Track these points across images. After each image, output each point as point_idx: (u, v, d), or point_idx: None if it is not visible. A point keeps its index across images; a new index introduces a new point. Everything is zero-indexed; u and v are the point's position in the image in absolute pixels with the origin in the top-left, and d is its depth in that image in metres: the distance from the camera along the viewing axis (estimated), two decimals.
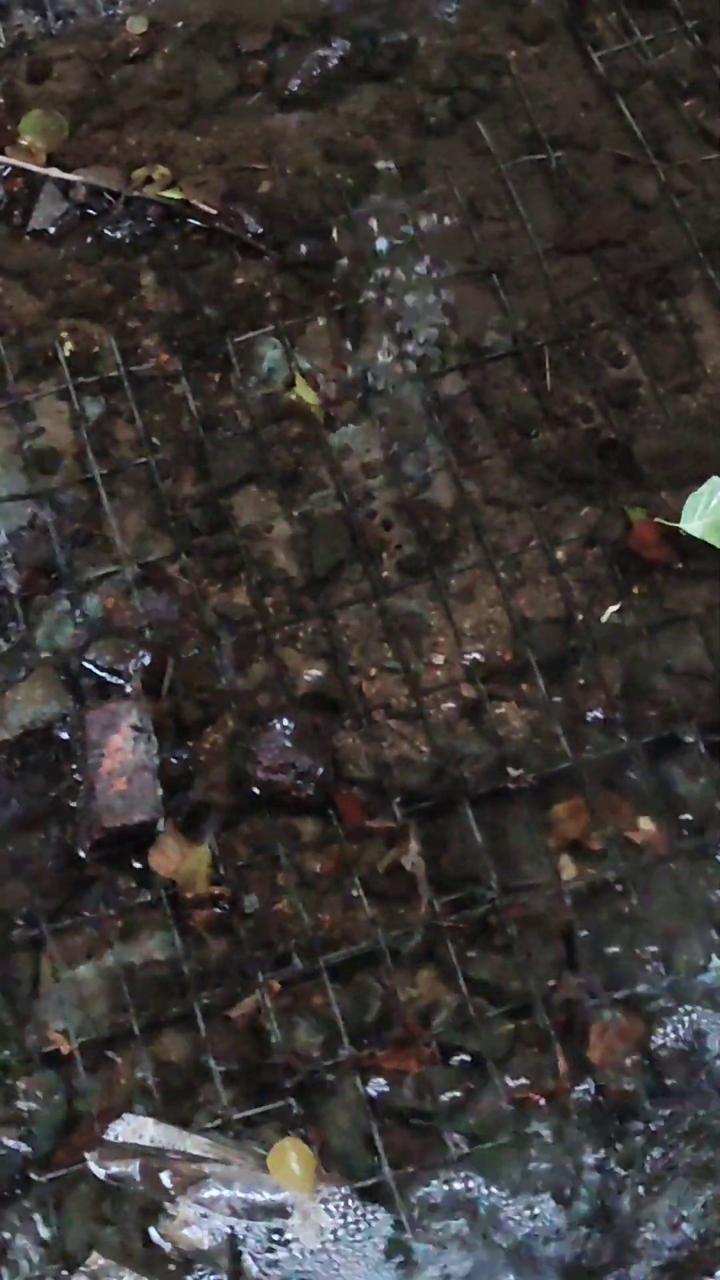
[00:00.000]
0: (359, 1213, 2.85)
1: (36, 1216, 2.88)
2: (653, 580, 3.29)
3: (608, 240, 3.57)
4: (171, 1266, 2.82)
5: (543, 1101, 2.94)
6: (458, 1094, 2.95)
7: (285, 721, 3.12)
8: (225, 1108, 2.94)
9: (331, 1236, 2.82)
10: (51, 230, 3.60)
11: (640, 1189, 2.87)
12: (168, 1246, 2.83)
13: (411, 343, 3.50)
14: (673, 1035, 2.97)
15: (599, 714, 3.18)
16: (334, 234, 3.60)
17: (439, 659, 3.24)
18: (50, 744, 3.16)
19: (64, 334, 3.51)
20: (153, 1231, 2.84)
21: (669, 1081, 2.94)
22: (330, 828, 3.12)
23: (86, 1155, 2.89)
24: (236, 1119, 2.93)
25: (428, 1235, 2.85)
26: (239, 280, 3.55)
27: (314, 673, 3.23)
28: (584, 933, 3.04)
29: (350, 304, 3.53)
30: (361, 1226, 2.83)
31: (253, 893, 3.08)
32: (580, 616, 3.26)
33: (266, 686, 3.22)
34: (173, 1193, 2.84)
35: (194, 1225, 2.82)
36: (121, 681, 3.18)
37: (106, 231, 3.59)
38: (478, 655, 3.23)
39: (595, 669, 3.22)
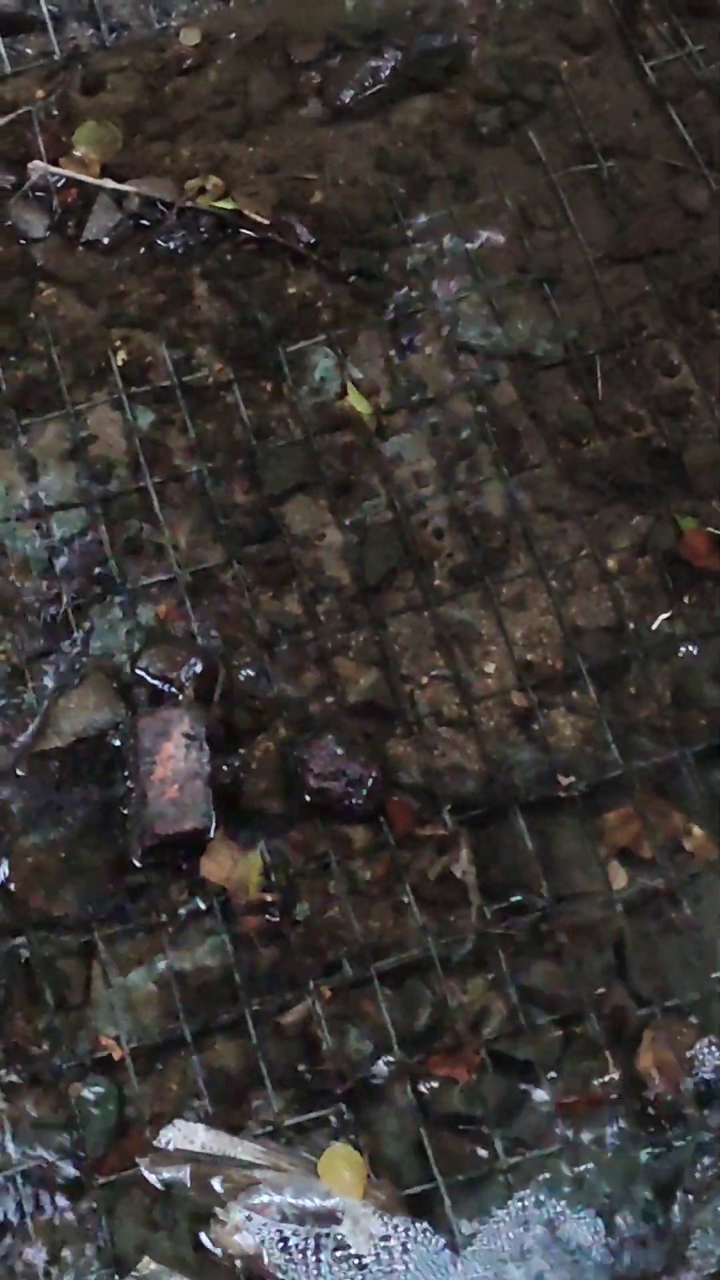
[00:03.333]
0: (409, 1219, 2.85)
1: (89, 1221, 2.89)
2: (704, 589, 3.29)
3: (659, 249, 3.57)
4: (222, 1272, 2.83)
5: (592, 1109, 2.93)
6: (508, 1101, 2.95)
7: (337, 729, 3.13)
8: (276, 1114, 2.95)
9: (382, 1242, 2.82)
10: (105, 241, 3.62)
11: (690, 1197, 2.87)
12: (219, 1252, 2.84)
13: (462, 351, 3.50)
14: None
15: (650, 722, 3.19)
16: (386, 243, 3.60)
17: (490, 667, 3.24)
18: (103, 751, 3.17)
19: (117, 343, 3.52)
20: (204, 1237, 2.85)
21: (719, 1089, 2.93)
22: (381, 835, 3.12)
23: (138, 1161, 2.90)
24: (287, 1125, 2.94)
25: (476, 1242, 2.85)
26: (291, 290, 3.56)
27: (365, 681, 3.23)
28: (635, 940, 3.04)
29: (402, 313, 3.54)
30: (411, 1233, 2.84)
31: (304, 900, 3.08)
32: (631, 625, 3.26)
33: (318, 694, 3.23)
34: (224, 1198, 2.85)
35: (245, 1231, 2.83)
36: (174, 689, 3.19)
37: (159, 242, 3.61)
38: (528, 663, 3.23)
39: (646, 677, 3.22)
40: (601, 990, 3.01)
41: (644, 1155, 2.91)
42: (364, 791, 3.11)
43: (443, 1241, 2.85)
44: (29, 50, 3.84)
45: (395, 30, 3.78)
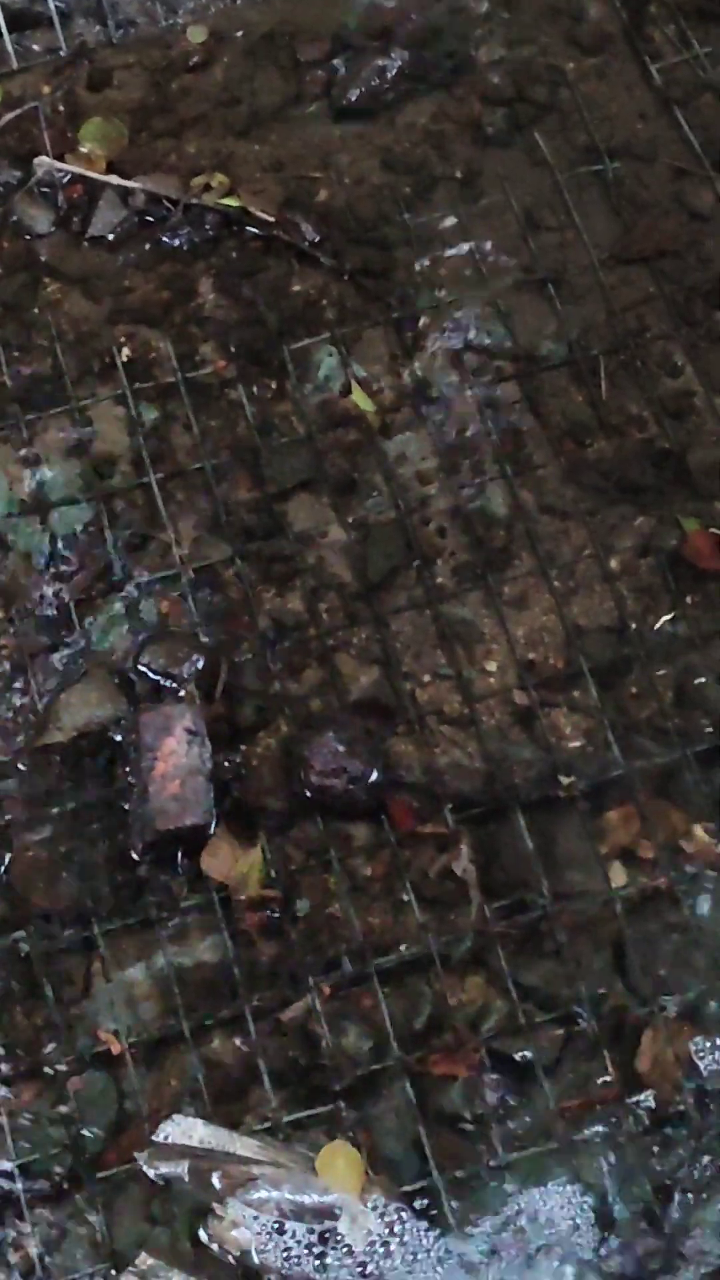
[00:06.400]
0: (406, 1216, 2.85)
1: (87, 1215, 2.89)
2: (706, 590, 3.29)
3: (664, 251, 3.58)
4: (219, 1267, 2.83)
5: (591, 1108, 2.93)
6: (506, 1099, 2.95)
7: (338, 727, 3.13)
8: (275, 1110, 2.95)
9: (379, 1239, 2.82)
10: (110, 237, 3.62)
11: (689, 1196, 2.87)
12: (216, 1247, 2.84)
13: (467, 351, 3.50)
14: None
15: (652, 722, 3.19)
16: (391, 243, 3.60)
17: (492, 666, 3.24)
18: (104, 746, 3.17)
19: (122, 340, 3.52)
20: (201, 1232, 2.85)
21: (718, 1089, 2.94)
22: (382, 833, 3.13)
23: (136, 1156, 2.90)
24: (286, 1121, 2.94)
25: (474, 1240, 2.85)
26: (296, 288, 3.56)
27: (367, 678, 3.23)
28: (634, 940, 3.04)
29: (406, 312, 3.54)
30: (409, 1230, 2.84)
31: (304, 896, 3.08)
32: (633, 625, 3.26)
33: (320, 691, 3.23)
34: (222, 1194, 2.85)
35: (243, 1226, 2.83)
36: (176, 685, 3.19)
37: (165, 238, 3.61)
38: (530, 662, 3.24)
39: (648, 678, 3.22)
40: (601, 990, 3.01)
41: (642, 1154, 2.91)
42: (365, 789, 3.11)
43: (440, 1238, 2.85)
44: (36, 46, 3.85)
45: (403, 30, 3.78)
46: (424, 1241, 2.84)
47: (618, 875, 3.09)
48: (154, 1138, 2.92)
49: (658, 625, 3.27)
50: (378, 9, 3.82)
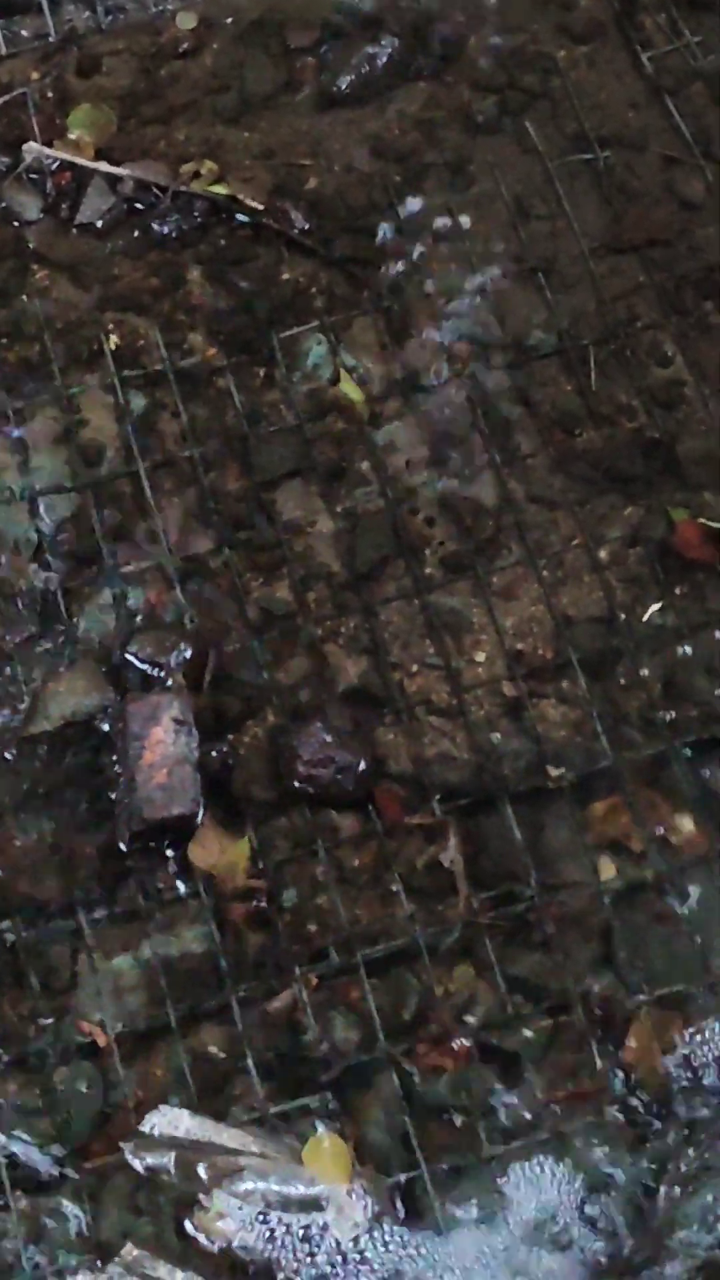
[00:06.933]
0: (394, 1207, 2.85)
1: (72, 1207, 2.89)
2: (695, 580, 3.29)
3: (654, 240, 3.57)
4: (205, 1259, 2.83)
5: (578, 1100, 2.93)
6: (493, 1091, 2.95)
7: (326, 717, 3.12)
8: (261, 1101, 2.94)
9: (365, 1230, 2.82)
10: (99, 224, 3.61)
11: (676, 1188, 2.86)
12: (202, 1238, 2.83)
13: (456, 340, 3.49)
14: (710, 1035, 2.96)
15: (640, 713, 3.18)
16: (380, 231, 3.59)
17: (480, 656, 3.24)
18: (91, 736, 3.16)
19: (110, 327, 3.51)
20: (188, 1223, 2.85)
21: (706, 1081, 2.93)
22: (369, 823, 3.12)
23: (122, 1146, 2.89)
24: (273, 1112, 2.93)
25: (461, 1230, 2.84)
26: (285, 276, 3.55)
27: (355, 668, 3.23)
28: (622, 932, 3.04)
29: (395, 301, 3.53)
30: (395, 1221, 2.84)
31: (291, 887, 3.08)
32: (622, 616, 3.26)
33: (308, 681, 3.22)
34: (208, 1185, 2.85)
35: (229, 1217, 2.82)
36: (163, 674, 3.18)
37: (153, 226, 3.60)
38: (519, 653, 3.23)
39: (636, 668, 3.22)
40: (589, 981, 3.01)
41: (630, 1146, 2.91)
42: (353, 779, 3.10)
43: (427, 1229, 2.84)
44: (24, 32, 3.83)
45: (393, 17, 3.77)
46: (410, 1233, 2.84)
47: (606, 867, 3.09)
48: (140, 1128, 2.91)
49: (646, 616, 3.26)
50: None
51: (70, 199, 3.64)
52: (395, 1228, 2.83)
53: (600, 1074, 2.95)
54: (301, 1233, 2.82)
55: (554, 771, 3.13)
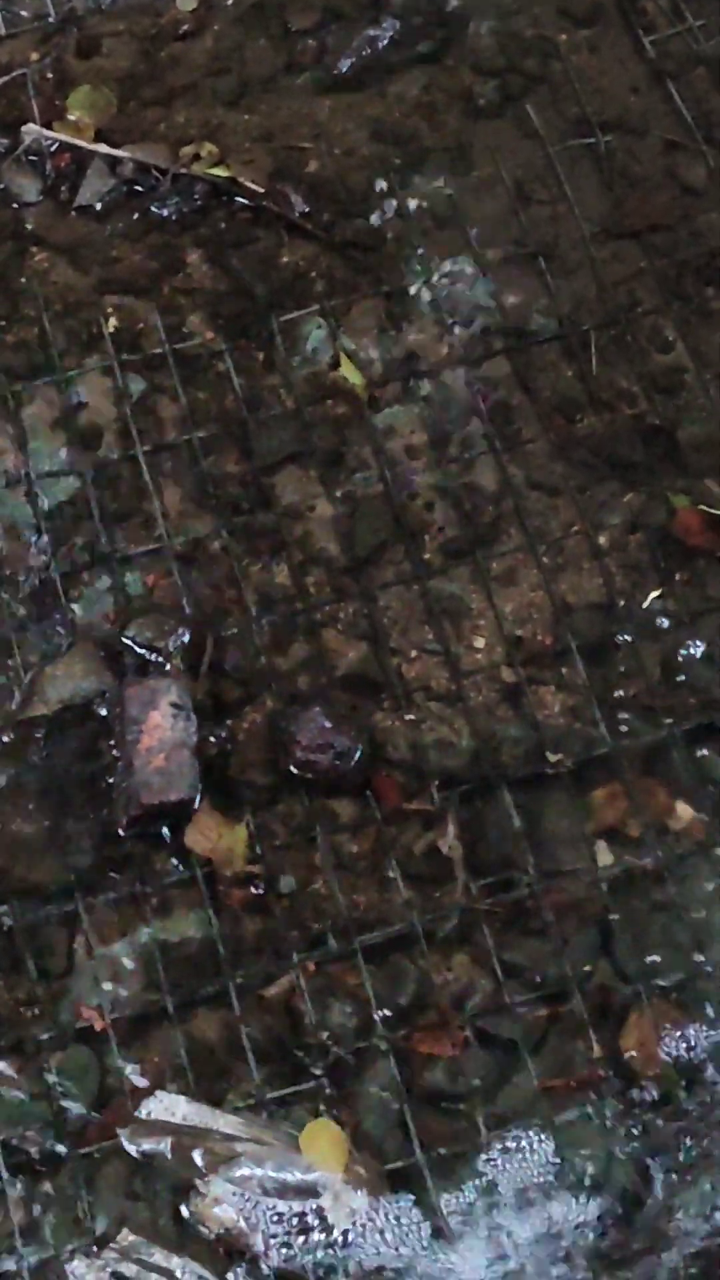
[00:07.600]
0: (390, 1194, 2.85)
1: (68, 1192, 2.88)
2: (695, 567, 3.28)
3: (656, 225, 3.56)
4: (201, 1244, 2.82)
5: (576, 1087, 2.93)
6: (491, 1078, 2.94)
7: (324, 702, 3.12)
8: (258, 1087, 2.94)
9: (362, 1217, 2.82)
10: (98, 206, 3.60)
11: (673, 1177, 2.86)
12: (198, 1224, 2.83)
13: (456, 325, 3.48)
14: (708, 1023, 2.96)
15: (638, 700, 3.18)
16: (380, 214, 3.58)
17: (479, 642, 3.23)
18: (89, 720, 3.15)
19: (109, 310, 3.50)
20: (184, 1209, 2.84)
21: (703, 1070, 2.93)
22: (367, 809, 3.11)
23: (119, 1132, 2.89)
24: (269, 1099, 2.93)
25: (457, 1217, 2.84)
26: (285, 259, 3.54)
27: (354, 653, 3.22)
28: (620, 919, 3.03)
29: (396, 285, 3.52)
30: (391, 1208, 2.84)
31: (289, 873, 3.07)
32: (622, 602, 3.25)
33: (306, 666, 3.21)
34: (204, 1171, 2.84)
35: (225, 1204, 2.82)
36: (161, 659, 3.18)
37: (153, 208, 3.59)
38: (518, 639, 3.22)
39: (636, 655, 3.21)
40: (587, 968, 3.01)
41: (627, 1134, 2.90)
42: (351, 765, 3.10)
43: (423, 1216, 2.84)
44: (24, 12, 3.81)
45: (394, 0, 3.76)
46: (407, 1220, 2.84)
47: (604, 854, 3.08)
48: (137, 1114, 2.90)
49: (646, 603, 3.25)
50: None
51: (69, 181, 3.62)
52: (390, 1214, 2.83)
53: (598, 1062, 2.94)
54: (297, 1219, 2.81)
55: (553, 758, 3.13)
